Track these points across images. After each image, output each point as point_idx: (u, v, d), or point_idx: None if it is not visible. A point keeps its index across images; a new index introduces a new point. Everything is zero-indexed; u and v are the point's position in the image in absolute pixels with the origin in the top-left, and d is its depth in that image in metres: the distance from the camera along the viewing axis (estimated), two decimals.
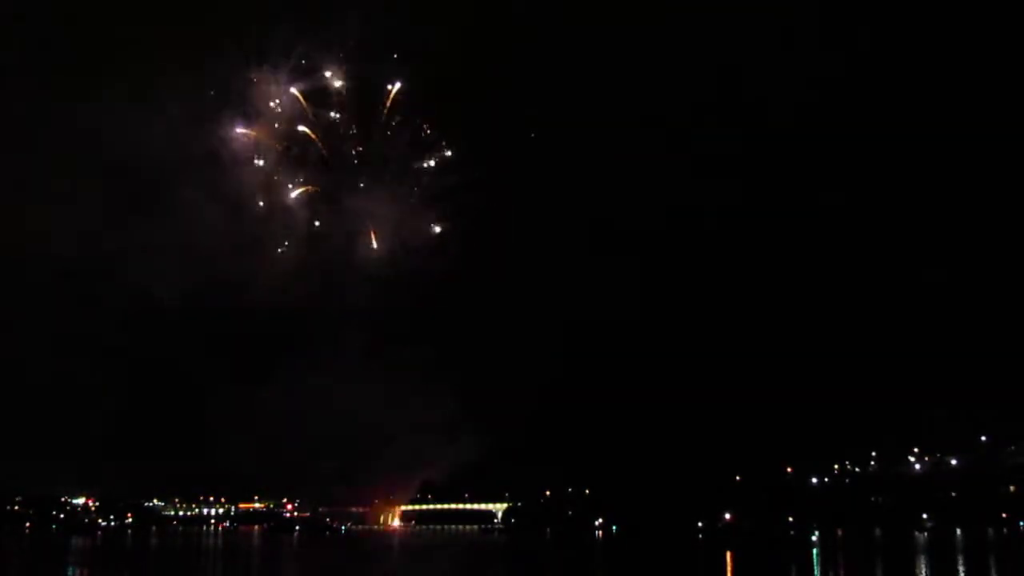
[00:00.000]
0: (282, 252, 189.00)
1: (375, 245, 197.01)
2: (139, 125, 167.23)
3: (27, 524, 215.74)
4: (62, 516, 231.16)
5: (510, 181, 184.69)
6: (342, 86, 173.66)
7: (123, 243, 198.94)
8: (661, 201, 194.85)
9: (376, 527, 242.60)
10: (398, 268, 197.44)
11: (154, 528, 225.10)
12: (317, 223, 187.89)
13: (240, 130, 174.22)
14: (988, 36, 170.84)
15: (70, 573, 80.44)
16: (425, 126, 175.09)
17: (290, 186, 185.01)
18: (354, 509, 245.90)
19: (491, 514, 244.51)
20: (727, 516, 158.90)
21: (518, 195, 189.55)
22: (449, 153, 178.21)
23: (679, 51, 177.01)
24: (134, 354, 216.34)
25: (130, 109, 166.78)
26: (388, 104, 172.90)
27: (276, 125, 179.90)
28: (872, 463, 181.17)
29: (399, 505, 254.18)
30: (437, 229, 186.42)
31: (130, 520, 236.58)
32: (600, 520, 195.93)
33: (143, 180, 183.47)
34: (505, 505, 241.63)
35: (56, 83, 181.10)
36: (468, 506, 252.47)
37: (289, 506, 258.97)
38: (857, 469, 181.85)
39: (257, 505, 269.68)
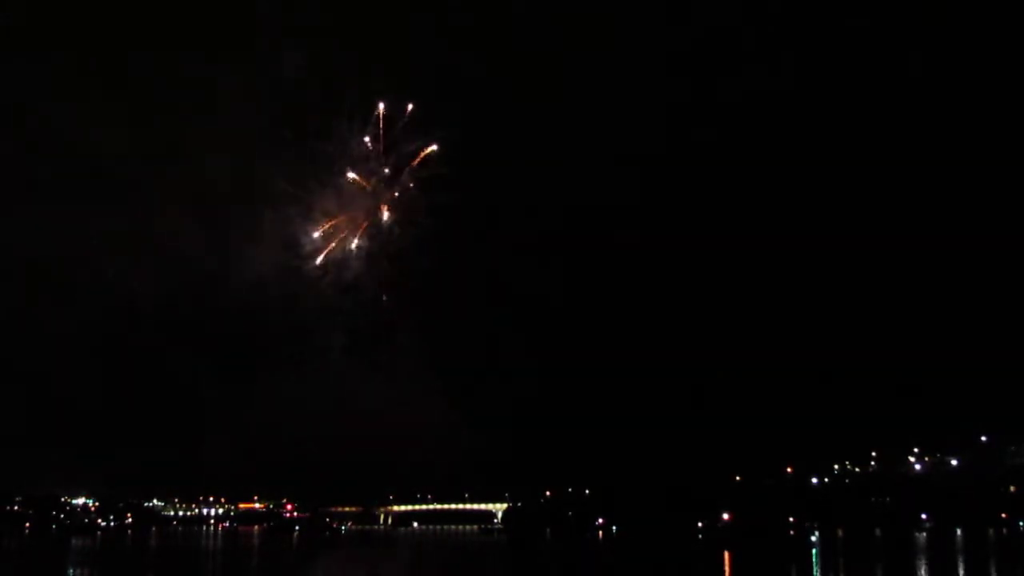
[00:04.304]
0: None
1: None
2: None
3: (27, 524, 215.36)
4: (62, 516, 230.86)
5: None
6: None
7: (114, 243, 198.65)
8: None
9: (376, 527, 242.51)
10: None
11: (154, 528, 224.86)
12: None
13: None
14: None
15: (70, 573, 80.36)
16: None
17: None
18: (353, 509, 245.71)
19: (491, 514, 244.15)
20: (727, 516, 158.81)
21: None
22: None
23: None
24: (131, 354, 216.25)
25: None
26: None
27: None
28: (872, 463, 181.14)
29: (399, 505, 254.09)
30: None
31: (130, 520, 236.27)
32: (600, 520, 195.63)
33: None
34: (505, 505, 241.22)
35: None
36: (468, 506, 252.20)
37: (289, 506, 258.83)
38: (857, 469, 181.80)
39: (257, 505, 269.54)
